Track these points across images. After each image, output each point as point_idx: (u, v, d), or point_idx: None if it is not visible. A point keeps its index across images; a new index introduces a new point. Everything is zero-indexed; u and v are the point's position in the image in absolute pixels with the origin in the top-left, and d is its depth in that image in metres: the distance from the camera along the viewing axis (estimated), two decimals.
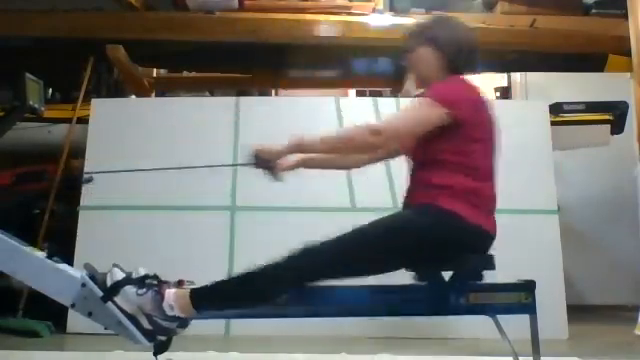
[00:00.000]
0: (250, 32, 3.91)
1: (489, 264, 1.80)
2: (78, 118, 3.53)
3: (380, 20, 4.01)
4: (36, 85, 3.13)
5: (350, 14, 4.08)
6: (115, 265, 1.76)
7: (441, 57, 1.84)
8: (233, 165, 1.87)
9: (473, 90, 1.83)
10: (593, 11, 4.28)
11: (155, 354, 1.72)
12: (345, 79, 4.71)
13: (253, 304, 1.75)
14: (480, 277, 1.81)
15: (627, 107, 3.66)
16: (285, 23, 3.94)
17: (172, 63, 4.59)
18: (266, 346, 2.64)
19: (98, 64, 3.90)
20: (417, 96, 1.93)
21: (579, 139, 3.84)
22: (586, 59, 4.11)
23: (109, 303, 1.69)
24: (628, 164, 3.71)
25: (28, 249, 1.79)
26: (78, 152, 3.40)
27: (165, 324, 1.70)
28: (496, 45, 3.92)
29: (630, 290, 4.07)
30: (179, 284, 1.74)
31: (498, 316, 1.84)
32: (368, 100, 3.64)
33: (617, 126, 3.77)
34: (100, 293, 1.70)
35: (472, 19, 4.08)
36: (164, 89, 4.81)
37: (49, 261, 1.76)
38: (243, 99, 3.58)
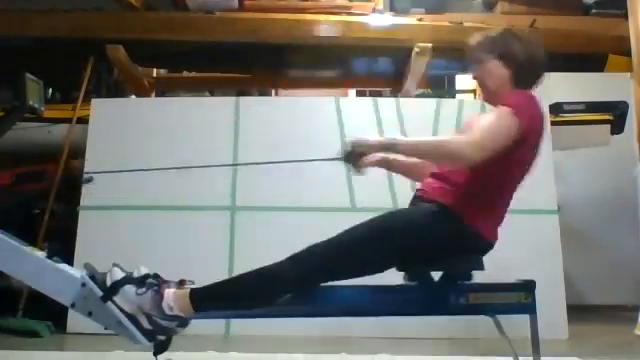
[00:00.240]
0: (250, 32, 3.90)
1: (478, 265, 1.80)
2: (78, 118, 3.53)
3: (380, 20, 4.01)
4: (36, 85, 3.13)
5: (350, 14, 4.08)
6: (115, 265, 1.75)
7: (511, 73, 1.81)
8: (317, 160, 1.83)
9: (541, 106, 1.81)
10: (593, 11, 4.28)
11: (155, 354, 1.72)
12: (345, 79, 4.71)
13: (253, 306, 1.75)
14: (469, 277, 1.81)
15: (627, 107, 3.67)
16: (285, 23, 3.93)
17: (172, 63, 4.60)
18: (266, 346, 2.63)
19: (98, 64, 3.90)
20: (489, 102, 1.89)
21: (579, 139, 3.84)
22: (586, 59, 4.11)
23: (109, 303, 1.68)
24: (628, 164, 3.71)
25: (28, 249, 1.79)
26: (78, 152, 3.40)
27: (165, 324, 1.70)
28: None
29: (630, 290, 4.07)
30: (180, 284, 1.74)
31: (498, 316, 1.84)
32: (368, 100, 3.64)
33: (617, 126, 3.77)
34: (100, 293, 1.69)
35: (472, 19, 4.09)
36: (164, 89, 4.81)
37: (49, 261, 1.76)
38: (243, 99, 3.58)
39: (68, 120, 3.55)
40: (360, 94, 5.22)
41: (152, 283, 1.72)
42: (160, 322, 1.69)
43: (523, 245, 2.95)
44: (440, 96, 4.52)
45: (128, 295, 1.69)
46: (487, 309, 1.81)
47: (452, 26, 3.99)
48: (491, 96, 1.87)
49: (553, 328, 2.90)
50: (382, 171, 3.16)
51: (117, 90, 4.27)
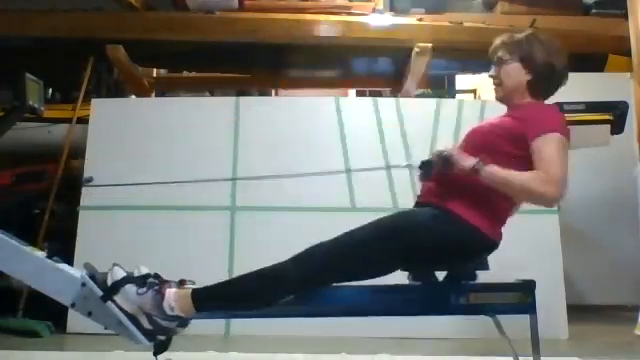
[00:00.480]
0: (250, 32, 3.90)
1: (482, 264, 1.80)
2: (78, 118, 3.53)
3: (380, 20, 4.01)
4: (36, 85, 3.13)
5: (350, 14, 4.08)
6: (115, 264, 1.75)
7: (531, 77, 1.81)
8: (403, 167, 1.79)
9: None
10: (593, 11, 4.29)
11: (155, 354, 1.72)
12: (345, 79, 4.71)
13: (255, 307, 1.75)
14: (474, 277, 1.81)
15: (627, 107, 3.66)
16: (285, 23, 3.93)
17: (172, 63, 4.60)
18: (266, 346, 2.63)
19: (98, 64, 3.90)
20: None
21: (579, 139, 3.82)
22: (586, 59, 4.11)
23: (109, 303, 1.68)
24: (628, 164, 3.71)
25: (28, 249, 1.79)
26: (78, 152, 3.40)
27: (165, 324, 1.70)
28: None
29: (630, 290, 4.06)
30: (181, 284, 1.74)
31: (498, 316, 1.84)
32: (368, 100, 3.63)
33: (617, 126, 3.77)
34: (100, 293, 1.69)
35: (472, 19, 4.09)
36: (164, 89, 4.81)
37: (49, 261, 1.76)
38: (243, 99, 3.58)
39: (68, 120, 3.54)
40: (360, 94, 5.22)
41: (153, 283, 1.72)
42: (160, 322, 1.69)
43: (523, 245, 2.95)
44: (440, 96, 4.53)
45: (129, 295, 1.69)
46: (487, 309, 1.81)
47: (452, 26, 3.99)
48: (505, 97, 1.86)
49: (553, 328, 2.91)
50: (382, 171, 3.20)
51: (117, 90, 4.26)
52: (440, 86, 5.16)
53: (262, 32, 3.91)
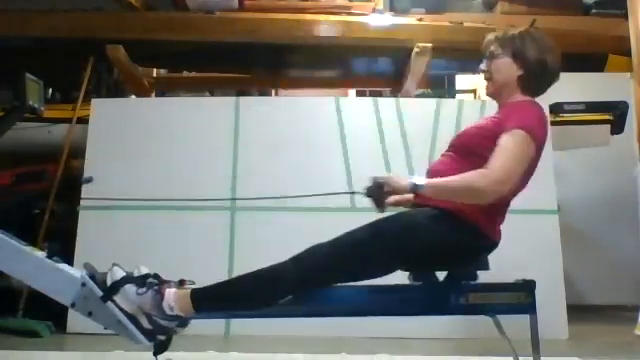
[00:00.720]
0: (250, 32, 3.90)
1: (483, 264, 1.81)
2: (78, 118, 3.53)
3: (380, 20, 4.01)
4: (36, 85, 3.13)
5: (350, 14, 4.08)
6: (115, 264, 1.76)
7: (522, 73, 1.81)
8: (346, 193, 1.81)
9: (546, 120, 1.80)
10: (593, 11, 4.28)
11: (155, 354, 1.72)
12: (345, 79, 4.71)
13: (254, 307, 1.75)
14: (475, 277, 1.81)
15: (627, 107, 3.66)
16: (285, 23, 3.93)
17: (172, 63, 4.60)
18: (266, 346, 2.63)
19: (98, 64, 3.90)
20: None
21: (579, 139, 3.84)
22: (586, 59, 4.11)
23: (109, 302, 1.69)
24: (628, 164, 3.70)
25: (28, 249, 1.79)
26: (78, 152, 3.40)
27: (165, 323, 1.70)
28: None
29: (630, 290, 4.07)
30: (180, 284, 1.74)
31: (498, 316, 1.84)
32: (368, 100, 3.63)
33: (617, 126, 3.77)
34: (100, 292, 1.70)
35: (472, 19, 4.09)
36: (164, 89, 4.81)
37: (49, 261, 1.76)
38: (243, 99, 3.58)
39: (68, 120, 3.55)
40: (360, 94, 5.22)
41: (152, 283, 1.72)
42: (160, 322, 1.69)
43: (523, 245, 2.95)
44: (440, 96, 4.52)
45: (128, 295, 1.69)
46: (487, 309, 1.81)
47: (452, 26, 3.99)
48: (495, 92, 1.87)
49: (553, 328, 2.90)
50: (382, 171, 3.19)
51: (117, 90, 4.26)
52: (440, 86, 5.16)
53: (262, 32, 3.91)
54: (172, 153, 3.27)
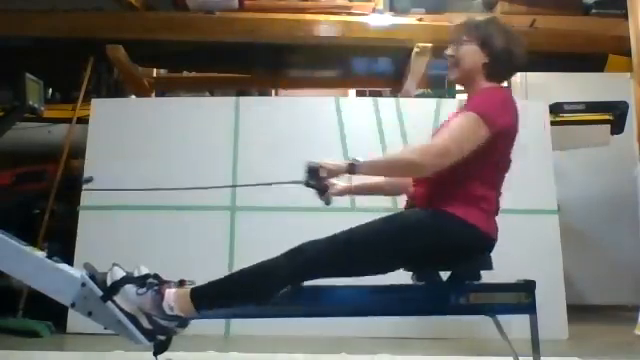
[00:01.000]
0: (250, 32, 3.91)
1: (486, 264, 1.80)
2: (78, 118, 3.53)
3: (380, 20, 4.01)
4: (36, 85, 3.13)
5: (350, 14, 4.08)
6: (115, 264, 1.76)
7: (488, 60, 1.82)
8: (280, 183, 1.82)
9: (513, 104, 1.81)
10: (593, 11, 4.28)
11: (155, 354, 1.72)
12: (345, 79, 4.71)
13: (252, 301, 1.74)
14: (478, 277, 1.81)
15: (627, 107, 3.67)
16: (285, 23, 3.94)
17: (172, 63, 4.60)
18: (266, 346, 2.63)
19: (98, 64, 3.90)
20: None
21: (579, 139, 3.84)
22: (586, 59, 4.11)
23: (109, 302, 1.69)
24: (628, 164, 3.71)
25: (28, 249, 1.79)
26: (78, 152, 3.40)
27: (165, 323, 1.70)
28: None
29: (630, 290, 4.07)
30: (180, 284, 1.74)
31: (498, 316, 1.84)
32: (368, 100, 3.64)
33: (617, 126, 3.77)
34: (100, 293, 1.70)
35: None
36: (164, 89, 4.81)
37: (49, 261, 1.76)
38: (243, 99, 3.58)
39: (68, 120, 3.55)
40: (360, 94, 5.22)
41: (152, 283, 1.72)
42: (160, 322, 1.69)
43: (523, 245, 2.95)
44: (440, 96, 4.51)
45: (128, 295, 1.69)
46: (487, 309, 1.81)
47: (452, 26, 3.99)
48: (459, 78, 1.89)
49: (553, 328, 2.90)
50: None
51: (117, 90, 4.26)
52: (440, 86, 5.15)
53: (262, 32, 3.91)
54: (172, 153, 3.27)
